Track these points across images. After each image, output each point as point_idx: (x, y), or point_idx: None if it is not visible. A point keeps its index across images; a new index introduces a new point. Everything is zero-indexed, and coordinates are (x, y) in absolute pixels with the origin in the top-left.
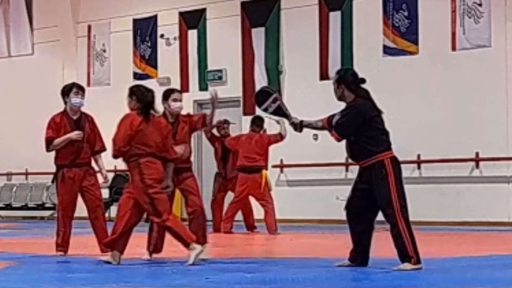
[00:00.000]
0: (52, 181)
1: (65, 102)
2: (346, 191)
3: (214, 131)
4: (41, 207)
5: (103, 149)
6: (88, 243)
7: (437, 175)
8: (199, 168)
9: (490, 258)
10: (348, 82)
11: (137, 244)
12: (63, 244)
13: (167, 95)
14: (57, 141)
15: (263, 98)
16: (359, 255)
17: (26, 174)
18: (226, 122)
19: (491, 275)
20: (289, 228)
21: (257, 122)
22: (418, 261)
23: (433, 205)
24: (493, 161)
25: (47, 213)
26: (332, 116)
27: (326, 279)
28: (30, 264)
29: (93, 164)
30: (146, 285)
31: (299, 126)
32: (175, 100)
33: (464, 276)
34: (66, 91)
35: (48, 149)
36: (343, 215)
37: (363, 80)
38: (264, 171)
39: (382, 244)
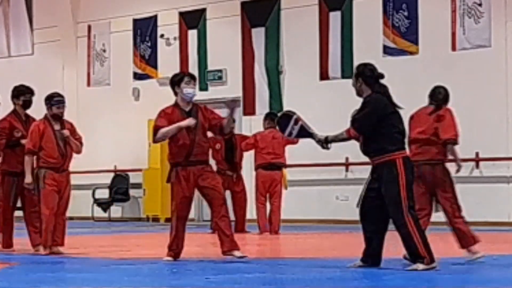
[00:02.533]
0: (167, 181)
1: (176, 93)
2: (346, 191)
3: None
4: None
5: None
6: (88, 243)
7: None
8: None
9: (490, 258)
10: (366, 76)
11: (137, 244)
12: (173, 248)
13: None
14: (165, 130)
15: (285, 123)
16: (371, 255)
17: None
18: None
19: (491, 275)
20: (289, 228)
21: (274, 117)
22: (431, 261)
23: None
24: (493, 161)
25: None
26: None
27: (327, 279)
28: (30, 264)
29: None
30: (146, 285)
31: (325, 142)
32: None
33: (464, 276)
34: (176, 81)
35: (154, 139)
36: (343, 215)
37: (381, 75)
38: (284, 169)
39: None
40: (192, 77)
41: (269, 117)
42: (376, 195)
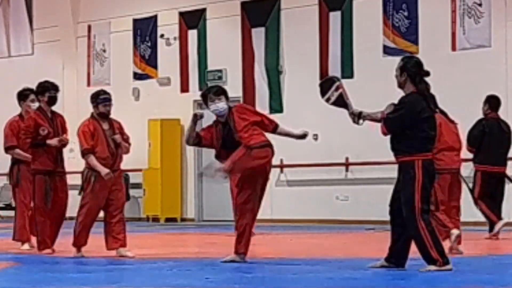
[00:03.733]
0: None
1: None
2: (346, 191)
3: None
4: None
5: None
6: (88, 243)
7: None
8: (199, 167)
9: (490, 258)
10: (412, 72)
11: (137, 244)
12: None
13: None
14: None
15: (327, 87)
16: (394, 255)
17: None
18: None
19: (491, 275)
20: (289, 228)
21: None
22: (444, 263)
23: None
24: None
25: None
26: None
27: (327, 279)
28: (30, 264)
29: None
30: (146, 285)
31: (357, 117)
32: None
33: (464, 276)
34: (204, 100)
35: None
36: (343, 215)
37: (427, 73)
38: None
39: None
40: (217, 93)
41: None
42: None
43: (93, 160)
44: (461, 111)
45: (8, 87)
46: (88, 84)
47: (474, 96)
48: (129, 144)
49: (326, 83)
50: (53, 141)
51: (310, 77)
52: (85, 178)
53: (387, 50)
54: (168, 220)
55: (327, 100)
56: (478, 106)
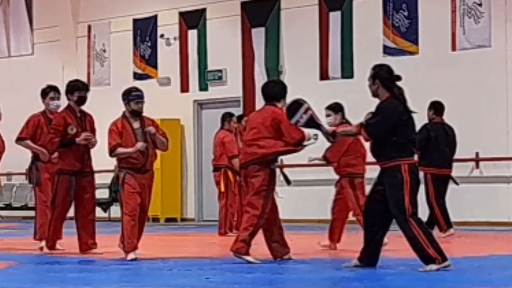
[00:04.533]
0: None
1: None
2: None
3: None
4: None
5: None
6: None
7: None
8: (199, 167)
9: (490, 258)
10: (383, 79)
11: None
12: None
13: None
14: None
15: (294, 110)
16: (368, 255)
17: (26, 174)
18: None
19: (491, 275)
20: (289, 228)
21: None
22: (443, 260)
23: None
24: (493, 161)
25: None
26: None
27: (326, 279)
28: (30, 264)
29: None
30: (146, 285)
31: (332, 136)
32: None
33: (464, 276)
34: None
35: None
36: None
37: (398, 78)
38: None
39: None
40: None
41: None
42: (380, 198)
43: (121, 150)
44: (461, 111)
45: (8, 87)
46: (88, 84)
47: (474, 96)
48: (167, 139)
49: (293, 107)
50: (80, 138)
51: (310, 77)
52: (118, 179)
53: (387, 50)
54: (168, 220)
55: (297, 123)
56: (478, 106)
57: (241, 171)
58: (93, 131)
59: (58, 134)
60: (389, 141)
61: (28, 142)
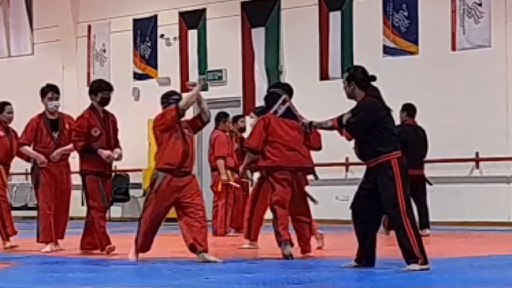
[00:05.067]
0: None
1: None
2: (346, 191)
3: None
4: None
5: None
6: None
7: (437, 175)
8: (199, 167)
9: (490, 258)
10: (359, 80)
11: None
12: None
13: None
14: None
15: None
16: (365, 255)
17: (26, 174)
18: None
19: (491, 275)
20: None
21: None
22: (425, 262)
23: (433, 205)
24: (493, 161)
25: None
26: (342, 115)
27: (326, 279)
28: (30, 264)
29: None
30: (146, 285)
31: (308, 127)
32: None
33: (464, 276)
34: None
35: None
36: (343, 215)
37: (373, 78)
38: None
39: (387, 244)
40: None
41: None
42: (368, 195)
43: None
44: (461, 111)
45: (8, 87)
46: (88, 84)
47: (474, 96)
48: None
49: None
50: (102, 154)
51: (310, 77)
52: (151, 180)
53: (387, 50)
54: (168, 220)
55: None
56: (478, 106)
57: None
58: (115, 131)
59: (82, 137)
60: (373, 137)
61: (26, 148)
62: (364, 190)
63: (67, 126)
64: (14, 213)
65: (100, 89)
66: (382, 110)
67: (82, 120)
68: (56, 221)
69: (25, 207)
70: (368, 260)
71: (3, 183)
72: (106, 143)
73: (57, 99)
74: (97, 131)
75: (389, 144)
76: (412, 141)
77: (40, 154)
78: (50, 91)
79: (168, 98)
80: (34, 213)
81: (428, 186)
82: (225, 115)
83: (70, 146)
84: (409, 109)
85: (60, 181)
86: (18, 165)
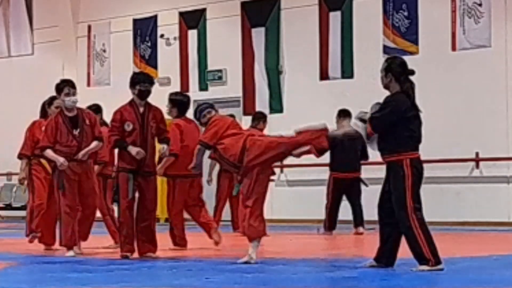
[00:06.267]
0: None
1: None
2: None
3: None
4: None
5: None
6: (88, 243)
7: (437, 175)
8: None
9: (490, 258)
10: (397, 72)
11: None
12: None
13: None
14: None
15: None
16: (385, 255)
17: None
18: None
19: (491, 275)
20: (289, 228)
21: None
22: (437, 262)
23: (433, 205)
24: (493, 161)
25: None
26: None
27: (326, 279)
28: (30, 264)
29: None
30: (146, 285)
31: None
32: None
33: (464, 276)
34: None
35: None
36: (343, 215)
37: (412, 72)
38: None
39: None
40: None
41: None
42: (390, 198)
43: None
44: (461, 110)
45: (8, 87)
46: (88, 84)
47: (474, 96)
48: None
49: None
50: (132, 150)
51: (310, 77)
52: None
53: (387, 50)
54: (168, 220)
55: None
56: (478, 106)
57: None
58: (159, 126)
59: (116, 132)
60: (392, 135)
61: (49, 151)
62: (386, 192)
63: (87, 121)
64: (14, 213)
65: (138, 82)
66: (409, 109)
67: (115, 114)
68: (80, 222)
69: (25, 207)
70: (388, 260)
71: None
72: (141, 138)
73: (74, 94)
74: (129, 125)
75: (407, 144)
76: (347, 145)
77: (60, 155)
78: (66, 87)
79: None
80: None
81: (430, 186)
82: (263, 115)
83: (95, 143)
84: (345, 114)
85: (84, 181)
86: (18, 165)
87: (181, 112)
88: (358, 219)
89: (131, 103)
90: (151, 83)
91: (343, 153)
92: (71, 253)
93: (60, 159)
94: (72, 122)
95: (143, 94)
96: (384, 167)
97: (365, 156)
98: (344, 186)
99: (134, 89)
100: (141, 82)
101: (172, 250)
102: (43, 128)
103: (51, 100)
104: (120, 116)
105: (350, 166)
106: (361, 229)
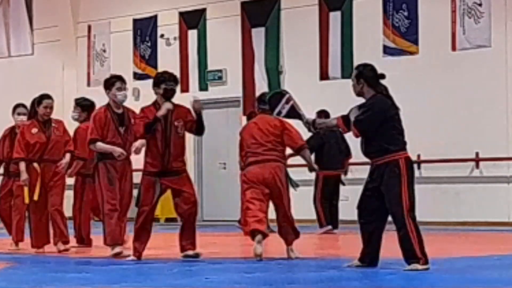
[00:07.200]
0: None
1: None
2: (346, 191)
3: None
4: None
5: None
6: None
7: (437, 175)
8: (199, 167)
9: (490, 258)
10: (368, 77)
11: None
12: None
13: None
14: None
15: (276, 101)
16: (369, 255)
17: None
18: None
19: (491, 275)
20: None
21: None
22: (427, 262)
23: (433, 205)
24: (493, 161)
25: None
26: (348, 113)
27: (327, 279)
28: (30, 264)
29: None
30: (146, 285)
31: (312, 126)
32: None
33: (464, 276)
34: None
35: None
36: (343, 215)
37: (382, 76)
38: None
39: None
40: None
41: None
42: (374, 195)
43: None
44: (461, 111)
45: (8, 87)
46: (88, 84)
47: (474, 96)
48: None
49: (275, 98)
50: (114, 152)
51: (310, 77)
52: None
53: (387, 50)
54: (168, 220)
55: (278, 113)
56: (478, 106)
57: None
58: (185, 124)
59: (142, 121)
60: (381, 135)
61: (100, 144)
62: (369, 190)
63: (132, 121)
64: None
65: (162, 81)
66: (391, 108)
67: (141, 112)
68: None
69: None
70: (372, 260)
71: None
72: (163, 139)
73: (125, 89)
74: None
75: (397, 143)
76: (332, 145)
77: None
78: (118, 81)
79: None
80: None
81: (430, 186)
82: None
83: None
84: (324, 115)
85: (124, 180)
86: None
87: (89, 115)
88: (333, 220)
89: (156, 104)
90: (176, 82)
91: (331, 151)
92: (117, 250)
93: (117, 149)
94: (119, 119)
95: (169, 93)
96: (362, 168)
97: (349, 154)
98: (332, 184)
99: (159, 89)
100: (167, 81)
101: (171, 251)
102: (33, 131)
103: (41, 99)
104: (143, 116)
105: (338, 164)
106: (335, 231)
